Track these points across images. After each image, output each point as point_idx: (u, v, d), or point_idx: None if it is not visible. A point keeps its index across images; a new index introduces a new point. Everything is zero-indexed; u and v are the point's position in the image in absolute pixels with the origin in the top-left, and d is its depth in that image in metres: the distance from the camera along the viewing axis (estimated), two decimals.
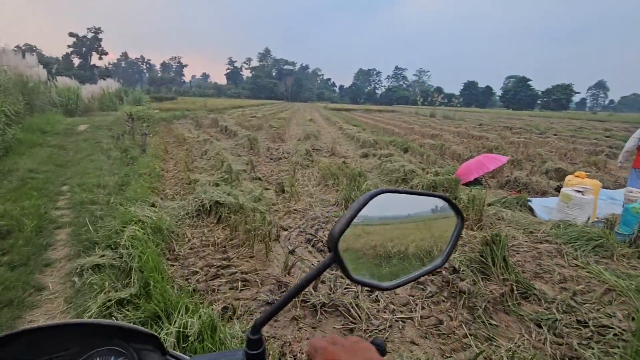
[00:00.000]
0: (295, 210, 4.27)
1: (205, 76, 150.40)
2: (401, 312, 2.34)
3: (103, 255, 2.72)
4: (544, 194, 5.66)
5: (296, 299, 2.39)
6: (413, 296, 2.50)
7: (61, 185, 5.10)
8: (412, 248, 0.55)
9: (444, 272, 2.71)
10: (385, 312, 2.32)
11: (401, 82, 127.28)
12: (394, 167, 6.21)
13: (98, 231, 3.23)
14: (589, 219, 3.87)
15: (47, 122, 10.45)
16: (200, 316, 1.73)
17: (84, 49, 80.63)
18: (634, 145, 4.86)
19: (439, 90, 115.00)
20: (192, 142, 9.19)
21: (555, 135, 15.64)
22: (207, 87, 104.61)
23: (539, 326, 2.20)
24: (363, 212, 0.47)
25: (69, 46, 79.80)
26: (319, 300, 2.34)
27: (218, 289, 2.50)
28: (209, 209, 3.85)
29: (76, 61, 79.64)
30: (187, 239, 3.29)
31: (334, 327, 2.17)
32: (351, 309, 2.26)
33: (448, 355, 1.98)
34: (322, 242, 3.35)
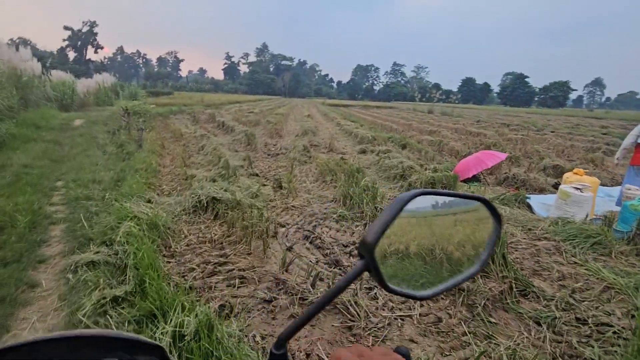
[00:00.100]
0: (293, 206, 4.24)
1: (202, 71, 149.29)
2: (400, 309, 2.32)
3: (98, 252, 2.68)
4: (541, 190, 5.66)
5: (294, 296, 2.37)
6: None
7: (56, 180, 5.04)
8: (447, 254, 0.52)
9: None
10: (384, 310, 2.30)
11: (399, 79, 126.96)
12: (392, 163, 6.18)
13: (93, 227, 3.19)
14: (587, 216, 3.87)
15: (42, 117, 10.32)
16: (196, 315, 1.70)
17: (79, 42, 79.69)
18: (631, 142, 4.86)
19: (436, 86, 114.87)
20: (189, 138, 9.12)
21: (552, 132, 15.68)
22: (204, 82, 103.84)
23: (538, 324, 2.19)
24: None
25: (64, 40, 78.86)
26: (317, 297, 2.31)
27: (215, 286, 2.47)
28: (205, 205, 3.81)
29: (71, 55, 78.71)
30: (183, 236, 3.25)
31: (333, 325, 2.15)
32: (350, 307, 2.24)
33: (447, 353, 1.97)
34: (320, 238, 3.33)
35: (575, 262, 2.96)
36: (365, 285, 2.55)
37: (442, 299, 2.43)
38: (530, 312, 2.28)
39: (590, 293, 2.49)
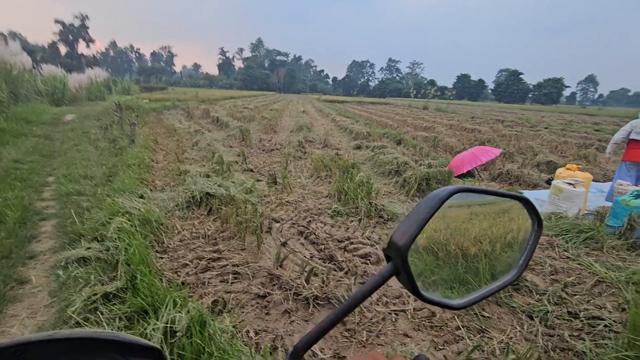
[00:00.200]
0: (287, 202, 4.22)
1: (196, 66, 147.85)
2: (394, 304, 2.32)
3: (89, 248, 2.63)
4: (535, 186, 5.70)
5: (288, 291, 2.35)
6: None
7: (47, 176, 4.96)
8: (483, 258, 0.48)
9: None
10: (378, 305, 2.30)
11: (395, 75, 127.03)
12: (387, 159, 6.18)
13: (84, 223, 3.14)
14: (579, 211, 3.90)
15: (33, 112, 10.17)
16: (188, 311, 1.68)
17: (71, 36, 78.26)
18: (621, 137, 4.86)
19: (432, 82, 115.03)
20: (183, 133, 9.03)
21: (546, 128, 15.79)
22: (198, 78, 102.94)
23: (531, 318, 2.20)
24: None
25: (54, 33, 77.40)
26: (312, 293, 2.31)
27: (208, 282, 2.45)
28: (199, 200, 3.78)
29: (62, 49, 77.29)
30: (176, 231, 3.22)
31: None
32: (343, 301, 2.23)
33: (441, 347, 1.97)
34: (314, 234, 3.32)
35: (568, 257, 2.98)
36: (359, 280, 2.54)
37: None
38: (523, 306, 2.29)
39: (582, 287, 2.51)
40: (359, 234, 3.39)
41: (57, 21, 77.55)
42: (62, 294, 2.26)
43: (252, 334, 1.96)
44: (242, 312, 2.16)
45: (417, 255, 0.44)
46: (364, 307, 2.24)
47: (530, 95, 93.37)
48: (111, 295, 2.05)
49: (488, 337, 2.04)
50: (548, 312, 2.21)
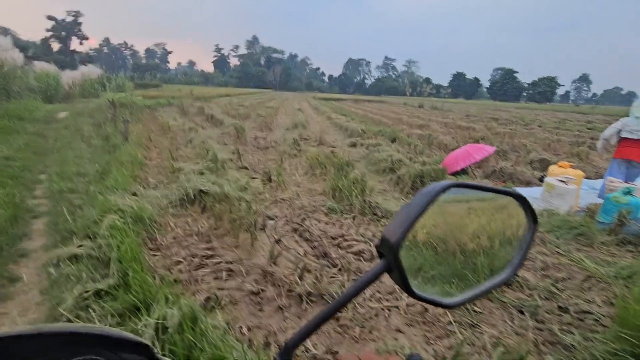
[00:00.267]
0: (282, 199, 4.22)
1: (191, 63, 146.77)
2: (387, 300, 2.34)
3: (81, 246, 2.62)
4: (528, 184, 5.75)
5: (281, 288, 2.36)
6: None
7: (39, 173, 4.91)
8: (481, 253, 0.47)
9: None
10: (371, 301, 2.31)
11: (390, 73, 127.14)
12: (382, 156, 6.19)
13: (76, 221, 3.12)
14: (571, 208, 3.94)
15: (25, 109, 10.05)
16: (180, 307, 1.68)
17: (64, 33, 77.24)
18: (609, 133, 4.89)
19: (427, 81, 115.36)
20: (177, 131, 8.97)
21: (539, 126, 15.91)
22: (193, 75, 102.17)
23: (522, 312, 2.23)
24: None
25: (47, 30, 76.36)
26: (305, 289, 2.31)
27: (202, 279, 2.45)
28: (193, 198, 3.77)
29: (55, 46, 76.30)
30: (170, 229, 3.21)
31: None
32: (336, 297, 2.24)
33: (432, 342, 1.99)
34: (309, 231, 3.32)
35: (559, 253, 3.01)
36: (352, 277, 2.56)
37: None
38: (514, 301, 2.32)
39: (573, 282, 2.55)
40: (352, 231, 3.40)
41: (49, 17, 76.56)
42: (53, 291, 2.24)
43: (245, 330, 1.97)
44: (235, 309, 2.16)
45: (416, 250, 0.44)
46: (357, 303, 2.25)
47: (524, 94, 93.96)
48: (103, 293, 2.04)
49: (479, 332, 2.06)
50: (538, 306, 2.24)
